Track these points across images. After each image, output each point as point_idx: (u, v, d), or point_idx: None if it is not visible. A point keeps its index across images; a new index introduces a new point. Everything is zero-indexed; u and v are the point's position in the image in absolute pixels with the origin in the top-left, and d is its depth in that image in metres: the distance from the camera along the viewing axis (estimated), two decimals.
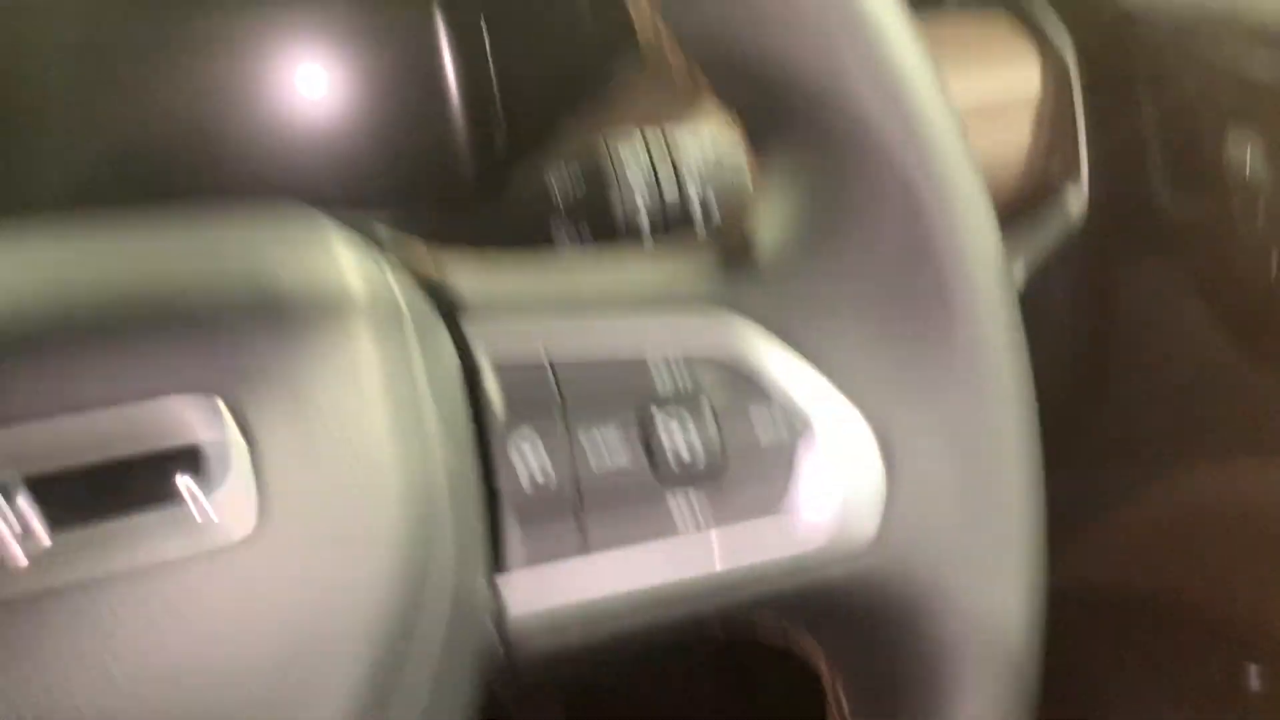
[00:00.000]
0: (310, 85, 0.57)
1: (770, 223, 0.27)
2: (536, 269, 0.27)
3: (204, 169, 0.56)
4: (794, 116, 0.27)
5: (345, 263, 0.24)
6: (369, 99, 0.57)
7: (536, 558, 0.25)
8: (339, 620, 0.21)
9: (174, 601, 0.20)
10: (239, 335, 0.22)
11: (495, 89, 0.59)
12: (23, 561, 0.19)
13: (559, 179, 0.39)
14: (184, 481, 0.21)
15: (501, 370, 0.25)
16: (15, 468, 0.20)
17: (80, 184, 0.54)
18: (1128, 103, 0.55)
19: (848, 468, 0.26)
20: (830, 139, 0.26)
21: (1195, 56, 0.52)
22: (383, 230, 0.29)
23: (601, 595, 0.26)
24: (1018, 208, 0.57)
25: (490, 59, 0.59)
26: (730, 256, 0.28)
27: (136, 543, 0.20)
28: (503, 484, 0.25)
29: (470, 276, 0.27)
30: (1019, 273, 0.55)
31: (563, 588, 0.25)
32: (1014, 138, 0.55)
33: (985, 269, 0.27)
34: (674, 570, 0.26)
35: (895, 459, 0.26)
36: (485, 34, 0.59)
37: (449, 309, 0.26)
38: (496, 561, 0.25)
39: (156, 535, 0.20)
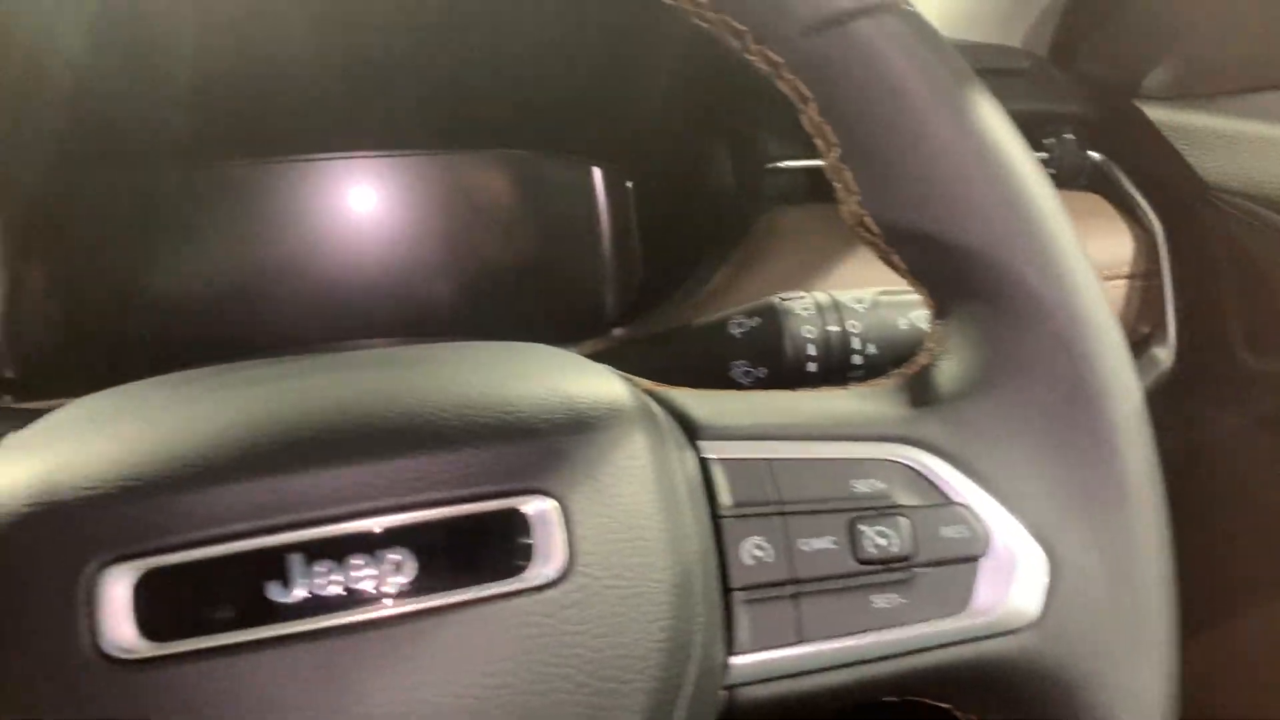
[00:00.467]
0: (485, 230, 0.66)
1: (948, 368, 0.34)
2: (755, 400, 0.35)
3: (392, 301, 0.64)
4: (970, 283, 0.34)
5: (618, 386, 0.32)
6: (534, 242, 0.66)
7: (760, 644, 0.31)
8: (625, 659, 0.28)
9: (497, 631, 0.27)
10: (557, 441, 0.29)
11: (636, 234, 0.68)
12: (392, 593, 0.27)
13: (739, 325, 0.47)
14: (517, 539, 0.28)
15: (732, 478, 0.32)
16: (396, 537, 0.27)
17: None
18: (1210, 270, 0.62)
19: (1017, 570, 0.32)
20: (999, 301, 0.33)
21: (1269, 227, 0.59)
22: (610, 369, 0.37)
23: (808, 672, 0.32)
24: None
25: (634, 208, 0.68)
26: (914, 397, 0.34)
27: (482, 582, 0.27)
28: (732, 575, 0.31)
29: (696, 400, 0.34)
30: None
31: (778, 668, 0.31)
32: (1111, 300, 0.62)
33: (1128, 403, 0.33)
34: (868, 652, 0.32)
35: (1056, 562, 0.32)
36: (631, 189, 0.68)
37: (685, 424, 0.33)
38: (730, 644, 0.31)
39: (497, 576, 0.27)
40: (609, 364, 0.36)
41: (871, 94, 0.33)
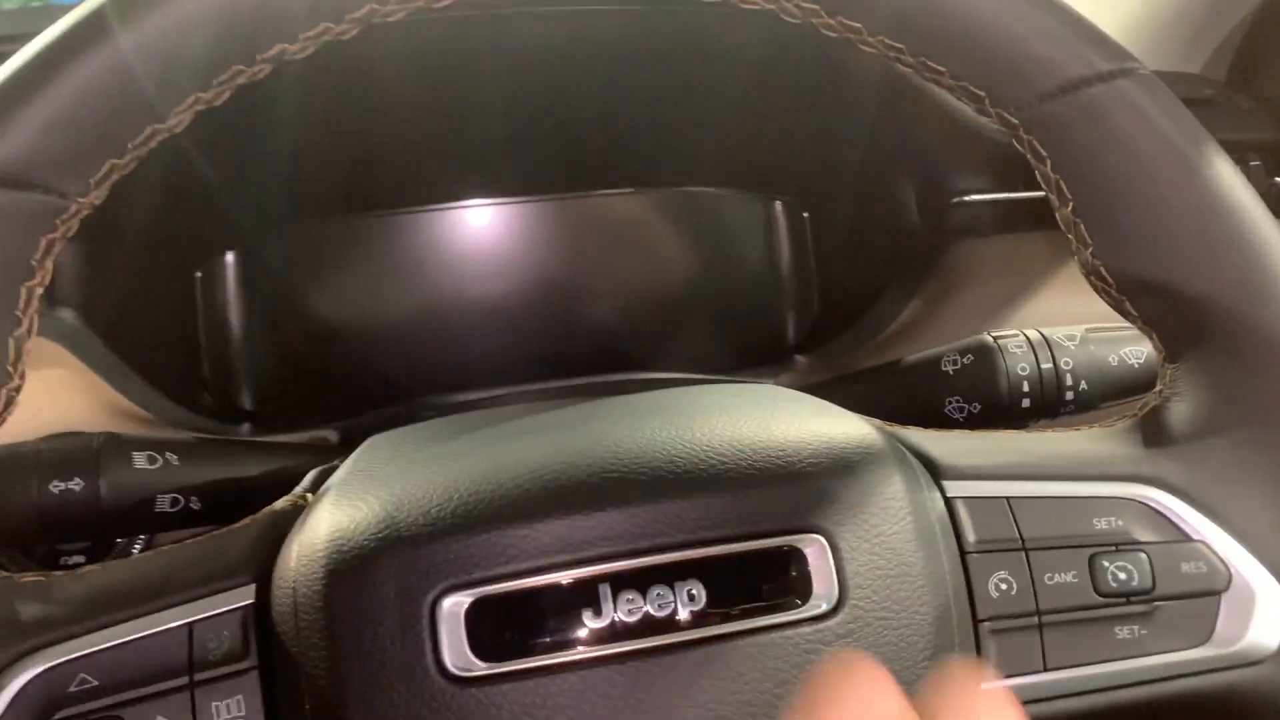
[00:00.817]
0: (669, 266, 0.70)
1: (1181, 410, 0.36)
2: (991, 440, 0.37)
3: (582, 338, 0.68)
4: (1202, 328, 0.35)
5: (868, 428, 0.34)
6: (715, 274, 0.69)
7: (1007, 671, 0.33)
8: (894, 673, 0.30)
9: (782, 655, 0.30)
10: (824, 482, 0.32)
11: (814, 268, 0.70)
12: (686, 620, 0.30)
13: (952, 362, 0.49)
14: (795, 572, 0.31)
15: (974, 515, 0.34)
16: (690, 570, 0.30)
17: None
18: None
19: (1257, 604, 0.34)
20: (1232, 344, 0.35)
21: None
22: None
23: (1054, 697, 0.34)
24: None
25: (810, 238, 0.70)
26: (1147, 438, 0.36)
27: (765, 613, 0.30)
28: (979, 607, 0.34)
29: (934, 440, 0.36)
30: None
31: (1025, 693, 0.34)
32: None
33: None
34: (1111, 680, 0.34)
35: None
36: (808, 223, 0.70)
37: (928, 464, 0.35)
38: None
39: (776, 609, 0.30)
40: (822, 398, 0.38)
41: (1104, 154, 0.35)
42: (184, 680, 0.30)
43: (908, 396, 0.50)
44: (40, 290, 0.32)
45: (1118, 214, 0.35)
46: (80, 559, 0.47)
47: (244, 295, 0.66)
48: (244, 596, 0.32)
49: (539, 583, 0.30)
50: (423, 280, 0.66)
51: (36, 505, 0.41)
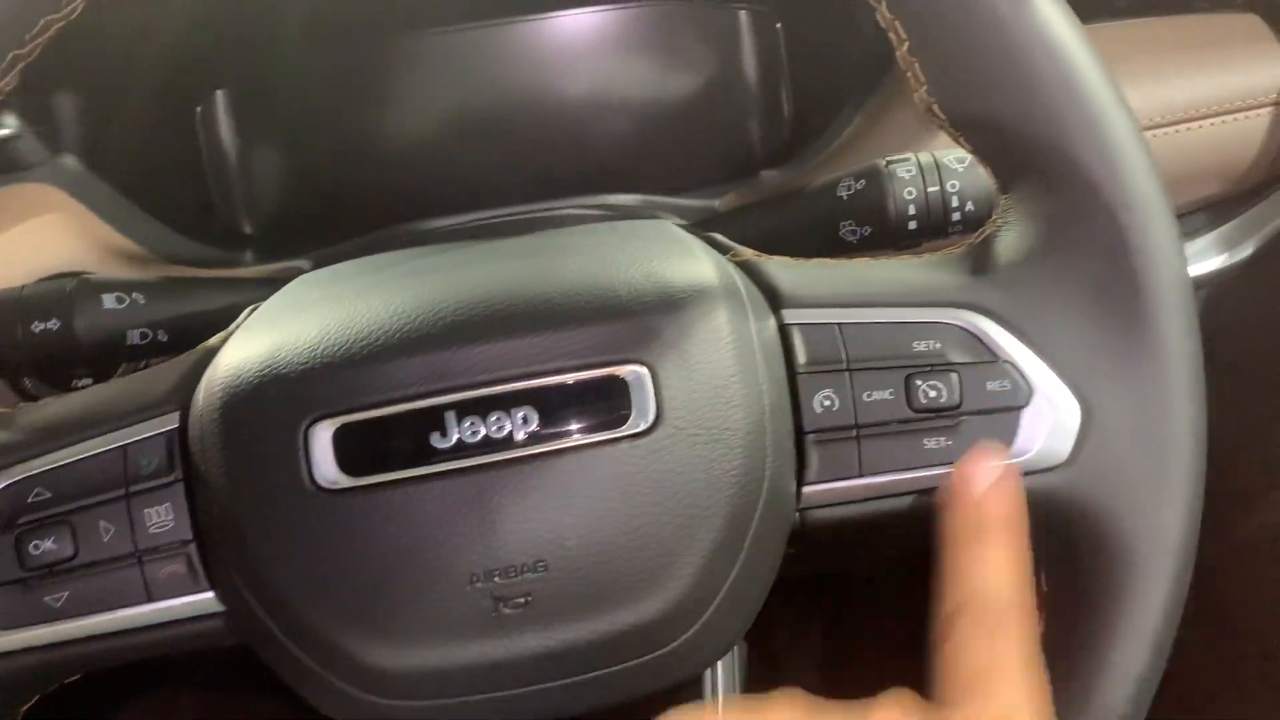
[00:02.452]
0: (630, 80, 0.71)
1: (1007, 239, 0.39)
2: (837, 270, 0.40)
3: (550, 156, 0.71)
4: (1030, 162, 0.37)
5: (707, 267, 0.38)
6: (679, 90, 0.71)
7: (826, 476, 0.38)
8: (705, 489, 0.35)
9: (601, 468, 0.35)
10: (650, 319, 0.36)
11: (785, 77, 0.71)
12: (522, 439, 0.35)
13: (846, 188, 0.52)
14: (617, 397, 0.35)
15: (806, 339, 0.38)
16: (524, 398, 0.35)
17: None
18: None
19: (1054, 418, 0.37)
20: (1055, 178, 0.37)
21: None
22: (721, 238, 0.43)
23: (868, 499, 0.38)
24: (1260, 190, 0.64)
25: (784, 55, 0.71)
26: (975, 265, 0.39)
27: (589, 431, 0.35)
28: (805, 421, 0.38)
29: (785, 271, 0.40)
30: (1251, 247, 0.63)
31: (842, 495, 0.38)
32: (1258, 127, 0.61)
33: (1169, 273, 0.37)
34: (918, 484, 0.38)
35: (1088, 411, 0.37)
36: (781, 35, 0.71)
37: (771, 294, 0.39)
38: (800, 475, 0.38)
39: (599, 428, 0.35)
40: (733, 226, 0.42)
41: None
42: (121, 492, 0.37)
43: (807, 221, 0.53)
44: None
45: (948, 53, 0.37)
46: (89, 381, 0.55)
47: (240, 126, 0.70)
48: (170, 422, 0.38)
49: (394, 411, 0.35)
50: (395, 107, 0.70)
51: (22, 344, 0.47)
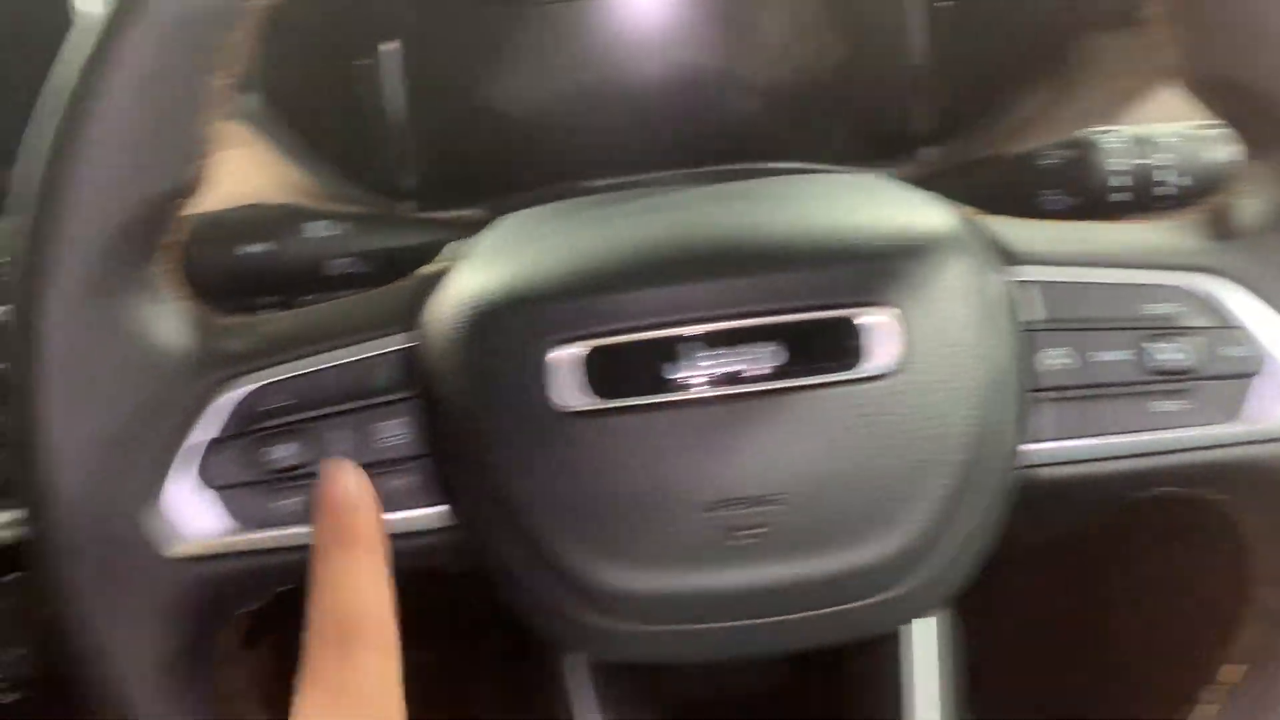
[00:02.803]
0: (789, 50, 0.71)
1: (1252, 205, 0.38)
2: (1066, 230, 0.40)
3: (709, 124, 0.72)
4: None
5: (949, 216, 0.38)
6: (838, 62, 0.71)
7: (1056, 434, 0.38)
8: (940, 437, 0.35)
9: (842, 407, 0.35)
10: (898, 263, 0.36)
11: (947, 59, 0.71)
12: (765, 373, 0.35)
13: (1048, 158, 0.51)
14: (862, 339, 0.35)
15: (1040, 296, 0.38)
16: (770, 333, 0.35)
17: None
18: None
19: None
20: None
21: None
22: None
23: (1095, 460, 0.38)
24: None
25: (947, 29, 0.71)
26: (1215, 230, 0.39)
27: (831, 370, 0.35)
28: (1038, 377, 0.38)
29: (1015, 229, 0.40)
30: None
31: (1071, 454, 0.38)
32: None
33: None
34: (1144, 447, 0.38)
35: None
36: (946, 13, 0.70)
37: (1004, 250, 0.39)
38: (1027, 432, 0.38)
39: (841, 368, 0.35)
40: (930, 191, 0.42)
41: None
42: (356, 404, 0.38)
43: (1006, 189, 0.53)
44: (229, 80, 0.38)
45: (1208, 16, 0.37)
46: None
47: (407, 80, 0.71)
48: (402, 341, 0.39)
49: (639, 339, 0.36)
50: (564, 69, 0.70)
51: (228, 266, 0.49)
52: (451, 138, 0.72)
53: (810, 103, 0.72)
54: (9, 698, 0.52)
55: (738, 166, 0.65)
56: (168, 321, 0.38)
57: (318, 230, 0.50)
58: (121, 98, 0.35)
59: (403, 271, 0.50)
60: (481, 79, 0.71)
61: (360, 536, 0.34)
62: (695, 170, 0.67)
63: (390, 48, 0.71)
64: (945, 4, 0.70)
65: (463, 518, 0.38)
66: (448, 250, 0.43)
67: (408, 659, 0.33)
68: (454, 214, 0.62)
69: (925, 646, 0.41)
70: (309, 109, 0.68)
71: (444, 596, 0.45)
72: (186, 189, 0.37)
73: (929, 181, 0.56)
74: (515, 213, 0.44)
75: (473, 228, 0.57)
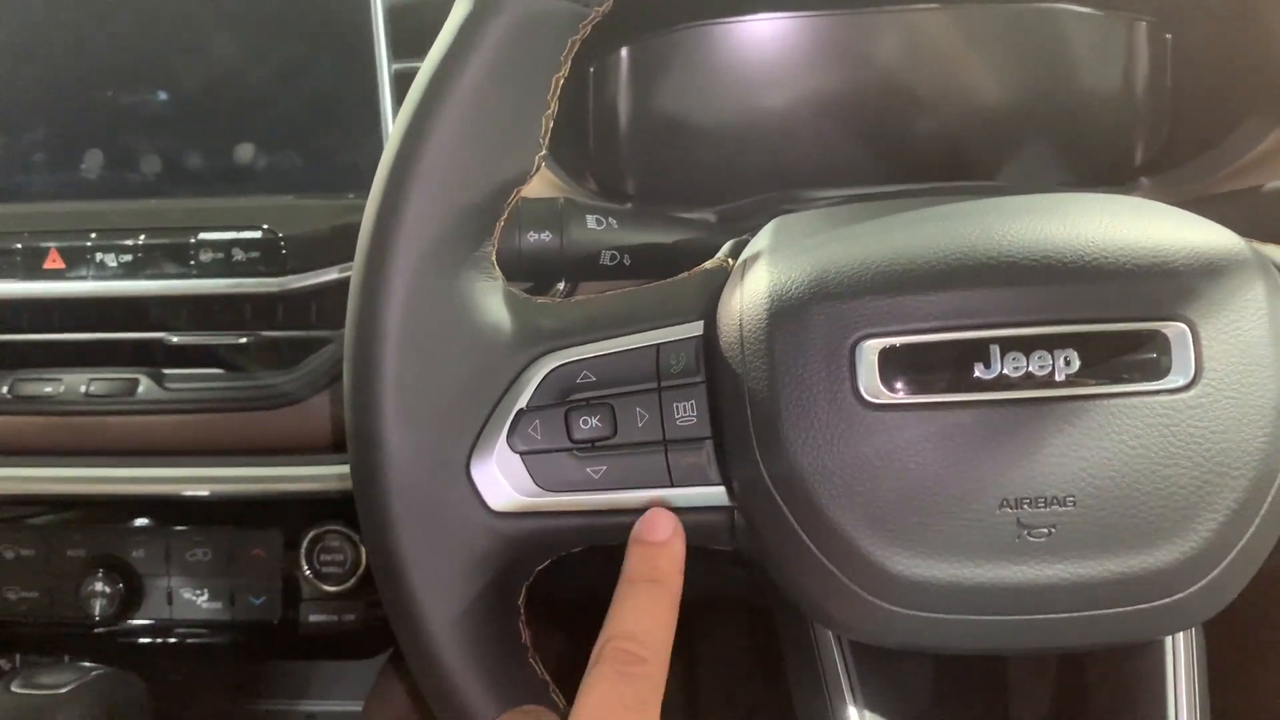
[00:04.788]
0: (1009, 76, 0.73)
1: None
2: None
3: (917, 137, 0.73)
4: None
5: (1235, 238, 0.39)
6: (1059, 90, 0.72)
7: None
8: (1234, 452, 0.36)
9: (1137, 417, 0.36)
10: (1194, 280, 0.37)
11: (1170, 91, 0.71)
12: (1062, 380, 0.37)
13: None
14: (1159, 352, 0.37)
15: None
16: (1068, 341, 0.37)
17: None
18: None
19: None
20: None
21: None
22: None
23: None
24: None
25: (1170, 59, 0.71)
26: None
27: (1128, 380, 0.37)
28: None
29: None
30: None
31: None
32: None
33: None
34: None
35: None
36: (1169, 45, 0.71)
37: None
38: None
39: (1138, 378, 0.37)
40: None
41: None
42: (654, 385, 0.40)
43: (1265, 221, 0.53)
44: (562, 81, 0.41)
45: None
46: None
47: (631, 89, 0.75)
48: (695, 330, 0.41)
49: (941, 339, 0.37)
50: (782, 85, 0.73)
51: (518, 249, 0.52)
52: (669, 145, 0.75)
53: (1027, 126, 0.73)
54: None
55: (964, 183, 0.67)
56: (494, 298, 0.41)
57: (595, 223, 0.53)
58: (481, 87, 0.39)
59: (659, 264, 0.53)
60: (698, 90, 0.74)
61: (663, 575, 0.39)
62: (918, 186, 0.69)
63: (619, 56, 0.74)
64: (1168, 35, 0.71)
65: (743, 497, 0.40)
66: (726, 248, 0.46)
67: None
68: (694, 215, 0.65)
69: (1186, 658, 0.42)
70: None
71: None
72: (525, 177, 0.41)
73: (1185, 209, 0.57)
74: (791, 215, 0.47)
75: (706, 228, 0.60)
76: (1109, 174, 0.72)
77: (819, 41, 0.73)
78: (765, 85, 0.74)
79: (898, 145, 0.74)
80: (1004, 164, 0.74)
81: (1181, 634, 0.42)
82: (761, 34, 0.74)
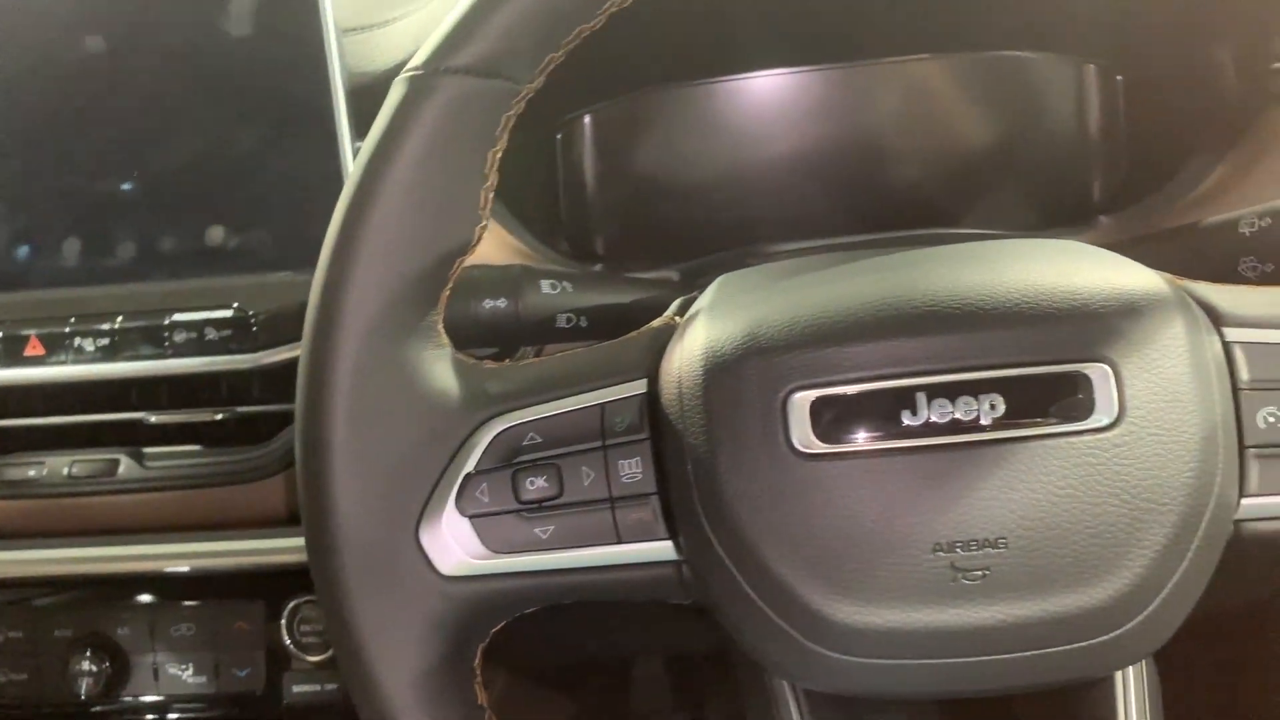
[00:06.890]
0: (967, 122, 0.74)
1: None
2: (1273, 294, 0.41)
3: (880, 188, 0.75)
4: None
5: (1157, 279, 0.40)
6: (1016, 134, 0.73)
7: (1267, 490, 0.39)
8: (1160, 488, 0.37)
9: (1064, 457, 0.37)
10: (1113, 321, 0.38)
11: (1124, 130, 0.73)
12: (988, 424, 0.37)
13: (1250, 225, 0.53)
14: (1082, 393, 0.37)
15: (1249, 356, 0.40)
16: (993, 386, 0.38)
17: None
18: None
19: None
20: None
21: None
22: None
23: None
24: None
25: (1121, 99, 0.73)
26: None
27: (1053, 422, 0.37)
28: (1246, 435, 0.39)
29: (1219, 292, 0.41)
30: None
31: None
32: None
33: None
34: None
35: None
36: (1121, 82, 0.72)
37: (1210, 312, 0.40)
38: (1241, 487, 0.39)
39: (1063, 420, 0.37)
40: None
41: None
42: (599, 443, 0.41)
43: (1203, 256, 0.54)
44: (499, 155, 0.43)
45: None
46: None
47: (596, 153, 0.76)
48: (639, 388, 0.42)
49: (869, 388, 0.38)
50: (744, 142, 0.75)
51: (474, 316, 0.54)
52: (635, 205, 0.76)
53: (986, 171, 0.74)
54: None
55: (922, 232, 0.68)
56: (441, 365, 0.42)
57: (550, 288, 0.54)
58: (418, 164, 0.40)
59: (616, 324, 0.54)
60: (663, 151, 0.75)
61: None
62: (878, 235, 0.70)
63: (583, 122, 0.76)
64: (1120, 77, 0.72)
65: (689, 551, 0.41)
66: (675, 306, 0.47)
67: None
68: (653, 274, 0.67)
69: (1136, 692, 0.42)
70: (510, 180, 0.73)
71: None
72: (466, 247, 0.42)
73: (1124, 248, 0.58)
74: (734, 272, 0.48)
75: (669, 287, 0.61)
76: (1070, 214, 0.73)
77: (780, 98, 0.75)
78: (728, 143, 0.75)
79: (861, 196, 0.75)
80: (968, 209, 0.75)
81: (1131, 668, 0.42)
82: (723, 93, 0.75)
